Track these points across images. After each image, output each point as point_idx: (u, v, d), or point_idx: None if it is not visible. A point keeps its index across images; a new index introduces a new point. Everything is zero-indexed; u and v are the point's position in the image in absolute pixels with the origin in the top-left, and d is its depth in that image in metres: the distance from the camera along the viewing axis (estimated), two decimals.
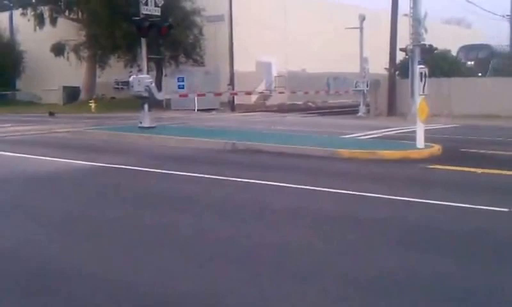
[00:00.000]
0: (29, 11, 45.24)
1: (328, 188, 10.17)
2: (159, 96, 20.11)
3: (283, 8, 43.49)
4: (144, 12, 19.94)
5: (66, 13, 44.99)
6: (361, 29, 30.92)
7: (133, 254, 6.47)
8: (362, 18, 30.72)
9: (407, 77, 28.25)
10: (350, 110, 31.15)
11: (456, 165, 12.73)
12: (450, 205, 8.83)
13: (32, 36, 46.07)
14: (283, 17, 43.56)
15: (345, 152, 14.69)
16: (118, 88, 21.28)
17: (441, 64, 30.97)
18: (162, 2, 20.71)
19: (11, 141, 18.26)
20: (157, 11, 20.26)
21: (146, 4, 20.04)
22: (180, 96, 33.93)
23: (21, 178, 11.63)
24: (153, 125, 19.80)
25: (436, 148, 15.08)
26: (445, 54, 33.65)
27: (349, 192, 9.91)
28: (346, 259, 6.32)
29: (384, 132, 20.79)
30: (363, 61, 31.14)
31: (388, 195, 9.55)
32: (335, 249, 6.71)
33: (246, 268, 6.02)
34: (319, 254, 6.51)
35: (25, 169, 12.70)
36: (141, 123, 19.75)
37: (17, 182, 11.23)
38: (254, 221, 8.11)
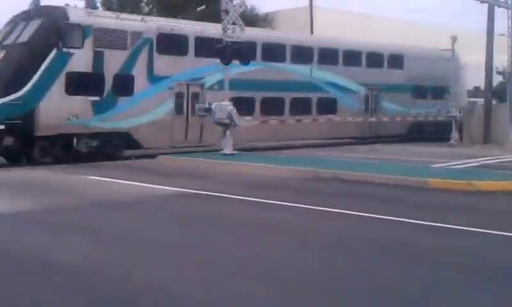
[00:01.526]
0: None
1: (421, 221, 10.24)
2: (241, 122, 20.65)
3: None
4: (227, 39, 20.70)
5: None
6: (452, 50, 30.60)
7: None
8: (454, 40, 30.40)
9: (504, 101, 27.59)
10: (439, 138, 30.58)
11: None
12: None
13: None
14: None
15: (437, 182, 14.63)
16: (200, 115, 21.97)
17: None
18: (244, 29, 21.41)
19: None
20: (240, 38, 20.97)
21: (229, 30, 20.83)
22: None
23: (111, 202, 12.41)
24: (234, 152, 20.37)
25: None
26: None
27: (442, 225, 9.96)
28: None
29: (480, 161, 20.43)
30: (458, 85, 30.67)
31: (489, 230, 9.52)
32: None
33: None
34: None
35: (118, 193, 13.55)
36: (222, 149, 20.38)
37: (109, 206, 12.00)
38: (338, 253, 8.36)
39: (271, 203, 12.13)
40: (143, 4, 40.08)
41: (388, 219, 10.44)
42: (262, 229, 9.88)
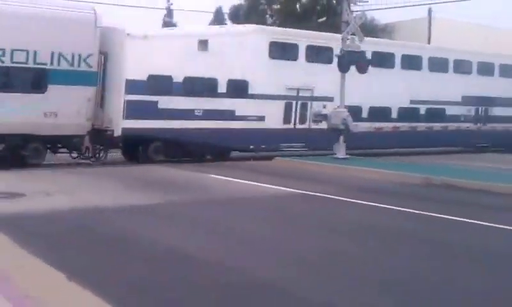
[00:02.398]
0: None
1: None
2: (355, 129, 20.38)
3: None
4: (346, 48, 20.51)
5: None
6: None
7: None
8: None
9: None
10: None
11: None
12: None
13: None
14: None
15: None
16: (316, 121, 21.91)
17: None
18: (363, 39, 21.11)
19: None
20: (358, 48, 20.70)
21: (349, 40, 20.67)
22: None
23: (229, 199, 12.65)
24: (346, 156, 20.13)
25: None
26: None
27: None
28: None
29: None
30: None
31: None
32: None
33: None
34: None
35: (234, 192, 13.79)
36: (335, 153, 20.21)
37: (231, 203, 12.24)
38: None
39: (382, 207, 11.85)
40: (268, 16, 40.60)
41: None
42: (380, 234, 9.63)
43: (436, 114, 26.40)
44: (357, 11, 23.65)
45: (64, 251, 7.66)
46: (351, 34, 21.06)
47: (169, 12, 50.51)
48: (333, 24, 29.56)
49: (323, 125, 21.57)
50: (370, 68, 21.55)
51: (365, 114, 24.10)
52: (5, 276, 6.29)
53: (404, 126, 25.37)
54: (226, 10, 42.37)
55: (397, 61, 25.41)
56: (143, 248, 7.99)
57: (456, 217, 10.69)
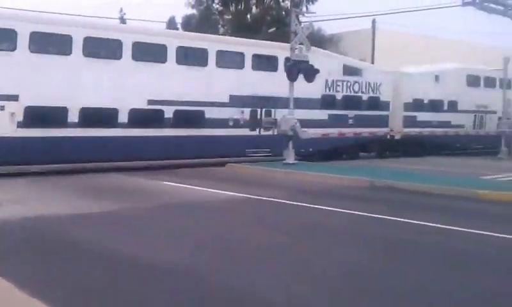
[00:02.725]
0: None
1: (470, 229, 9.87)
2: (303, 135, 20.56)
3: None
4: (294, 58, 20.68)
5: None
6: (505, 70, 29.41)
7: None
8: (507, 61, 29.21)
9: None
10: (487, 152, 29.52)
11: None
12: None
13: None
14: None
15: (486, 193, 14.08)
16: (266, 127, 22.01)
17: None
18: (310, 48, 21.34)
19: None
20: (305, 58, 20.90)
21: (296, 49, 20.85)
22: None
23: (181, 205, 12.55)
24: (295, 161, 20.30)
25: None
26: None
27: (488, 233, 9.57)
28: None
29: None
30: (507, 103, 29.55)
31: None
32: None
33: None
34: None
35: (187, 197, 13.69)
36: (285, 159, 20.35)
37: (185, 209, 12.13)
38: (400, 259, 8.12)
39: (330, 210, 11.98)
40: (219, 26, 40.60)
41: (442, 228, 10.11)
42: (323, 234, 9.74)
43: None
44: (305, 21, 23.95)
45: (14, 261, 7.45)
46: (299, 44, 21.27)
47: (123, 21, 49.88)
48: (283, 34, 29.82)
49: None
50: None
51: None
52: None
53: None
54: (178, 20, 42.20)
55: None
56: (94, 256, 7.83)
57: (395, 218, 10.92)
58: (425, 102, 28.36)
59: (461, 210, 12.45)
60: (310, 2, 38.75)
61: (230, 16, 40.00)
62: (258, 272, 7.14)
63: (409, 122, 27.45)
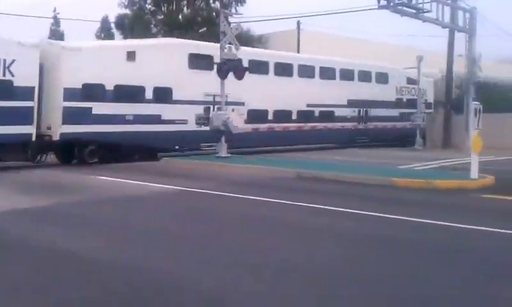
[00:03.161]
0: None
1: (384, 214, 10.28)
2: (235, 130, 20.69)
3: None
4: (224, 56, 20.74)
5: None
6: (418, 69, 30.70)
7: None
8: (420, 59, 30.50)
9: (461, 112, 27.80)
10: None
11: (509, 195, 12.53)
12: (498, 232, 8.79)
13: None
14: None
15: (401, 181, 14.67)
16: (199, 123, 21.99)
17: (494, 100, 30.24)
18: (240, 48, 21.48)
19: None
20: (235, 56, 21.01)
21: (225, 48, 20.91)
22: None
23: (116, 199, 12.36)
24: (228, 155, 20.39)
25: (490, 179, 14.82)
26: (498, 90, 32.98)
27: (401, 217, 10.00)
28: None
29: (440, 163, 20.50)
30: (420, 98, 30.92)
31: (442, 221, 9.57)
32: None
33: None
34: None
35: (120, 190, 13.48)
36: (218, 153, 20.41)
37: (119, 202, 11.95)
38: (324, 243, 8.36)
39: (257, 199, 12.14)
40: (152, 26, 40.02)
41: (357, 213, 10.46)
42: (251, 222, 9.87)
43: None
44: (234, 22, 24.03)
45: None
46: (228, 44, 21.34)
47: (56, 21, 48.30)
48: (214, 34, 29.78)
49: None
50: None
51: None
52: None
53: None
54: (112, 19, 41.27)
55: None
56: (28, 250, 7.62)
57: (319, 205, 11.22)
58: (108, 88, 20.04)
59: (376, 197, 12.91)
60: (239, 4, 38.92)
61: (162, 17, 39.52)
62: (186, 260, 7.18)
63: (77, 117, 18.95)
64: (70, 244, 7.94)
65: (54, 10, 48.40)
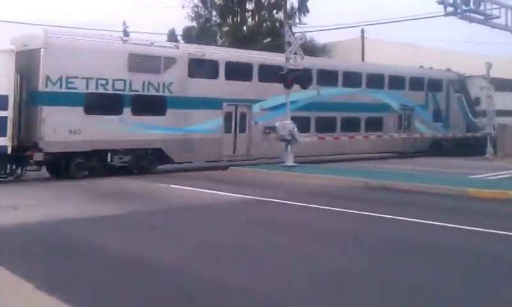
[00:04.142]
0: None
1: (459, 225, 9.85)
2: (301, 139, 20.58)
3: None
4: (289, 67, 20.72)
5: None
6: (488, 76, 29.50)
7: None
8: (489, 67, 29.28)
9: None
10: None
11: None
12: None
13: None
14: None
15: (475, 191, 14.07)
16: (266, 133, 22.01)
17: None
18: (304, 58, 21.39)
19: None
20: (300, 66, 20.94)
21: (291, 59, 20.88)
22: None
23: (192, 207, 12.49)
24: (294, 164, 20.25)
25: None
26: None
27: (477, 229, 9.55)
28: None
29: None
30: (490, 105, 29.65)
31: None
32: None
33: None
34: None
35: (193, 200, 13.63)
36: (284, 162, 20.32)
37: (190, 211, 12.07)
38: (392, 255, 8.08)
39: (326, 209, 11.94)
40: (218, 37, 40.59)
41: (431, 224, 10.07)
42: (316, 232, 9.69)
43: None
44: (298, 32, 23.96)
45: (30, 262, 7.38)
46: (294, 54, 21.28)
47: (126, 34, 49.84)
48: (278, 44, 29.84)
49: None
50: None
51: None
52: None
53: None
54: (178, 32, 42.12)
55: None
56: (107, 257, 7.78)
57: (390, 215, 10.88)
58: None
59: (449, 208, 12.41)
60: (303, 14, 38.84)
61: (228, 28, 40.00)
62: (256, 271, 7.09)
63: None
64: (142, 251, 8.06)
65: (124, 23, 49.96)
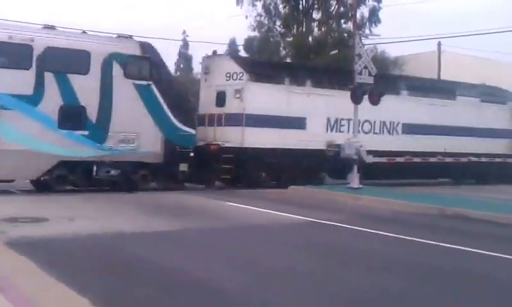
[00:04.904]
0: None
1: None
2: (368, 159, 20.34)
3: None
4: (359, 81, 20.61)
5: None
6: None
7: None
8: None
9: None
10: None
11: None
12: None
13: None
14: None
15: None
16: (329, 151, 21.92)
17: None
18: (375, 72, 21.21)
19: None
20: (370, 80, 20.80)
21: (361, 73, 20.75)
22: None
23: (247, 227, 12.61)
24: (360, 186, 20.03)
25: None
26: None
27: None
28: None
29: None
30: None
31: None
32: None
33: None
34: None
35: (249, 220, 13.77)
36: (349, 183, 20.14)
37: (247, 231, 12.19)
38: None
39: (392, 236, 11.75)
40: (281, 48, 40.87)
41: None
42: (381, 262, 9.55)
43: None
44: (368, 44, 23.84)
45: (86, 276, 7.66)
46: (364, 68, 21.13)
47: (185, 43, 51.19)
48: (346, 56, 29.72)
49: None
50: None
51: None
52: (30, 301, 6.30)
53: None
54: (239, 42, 42.76)
55: None
56: (162, 274, 7.97)
57: (465, 248, 10.58)
58: None
59: None
60: (373, 24, 38.55)
61: (291, 38, 40.17)
62: (313, 299, 7.06)
63: None
64: (197, 270, 8.22)
65: (184, 33, 51.24)
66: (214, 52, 24.05)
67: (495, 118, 27.49)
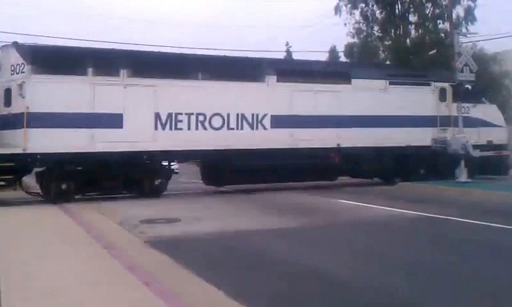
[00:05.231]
0: None
1: None
2: (475, 153, 19.13)
3: None
4: (460, 78, 19.54)
5: None
6: None
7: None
8: None
9: None
10: None
11: None
12: None
13: None
14: None
15: None
16: (436, 147, 20.82)
17: None
18: (476, 68, 20.00)
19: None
20: (471, 77, 19.64)
21: (462, 71, 19.64)
22: None
23: (361, 223, 12.18)
24: (469, 180, 18.88)
25: None
26: None
27: None
28: None
29: None
30: None
31: None
32: None
33: None
34: None
35: (364, 215, 13.33)
36: (457, 177, 19.07)
37: (362, 226, 11.76)
38: None
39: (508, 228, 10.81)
40: (380, 52, 39.75)
41: None
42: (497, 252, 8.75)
43: None
44: (465, 42, 22.51)
45: (219, 270, 7.65)
46: (464, 65, 20.00)
47: (289, 54, 51.17)
48: (445, 56, 28.31)
49: None
50: None
51: None
52: (172, 293, 6.35)
53: None
54: (339, 49, 42.12)
55: None
56: (291, 267, 7.82)
57: None
58: None
59: None
60: (469, 23, 36.41)
61: (390, 42, 38.94)
62: (432, 290, 6.55)
63: None
64: (321, 263, 7.99)
65: (287, 44, 51.37)
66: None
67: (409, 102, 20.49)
